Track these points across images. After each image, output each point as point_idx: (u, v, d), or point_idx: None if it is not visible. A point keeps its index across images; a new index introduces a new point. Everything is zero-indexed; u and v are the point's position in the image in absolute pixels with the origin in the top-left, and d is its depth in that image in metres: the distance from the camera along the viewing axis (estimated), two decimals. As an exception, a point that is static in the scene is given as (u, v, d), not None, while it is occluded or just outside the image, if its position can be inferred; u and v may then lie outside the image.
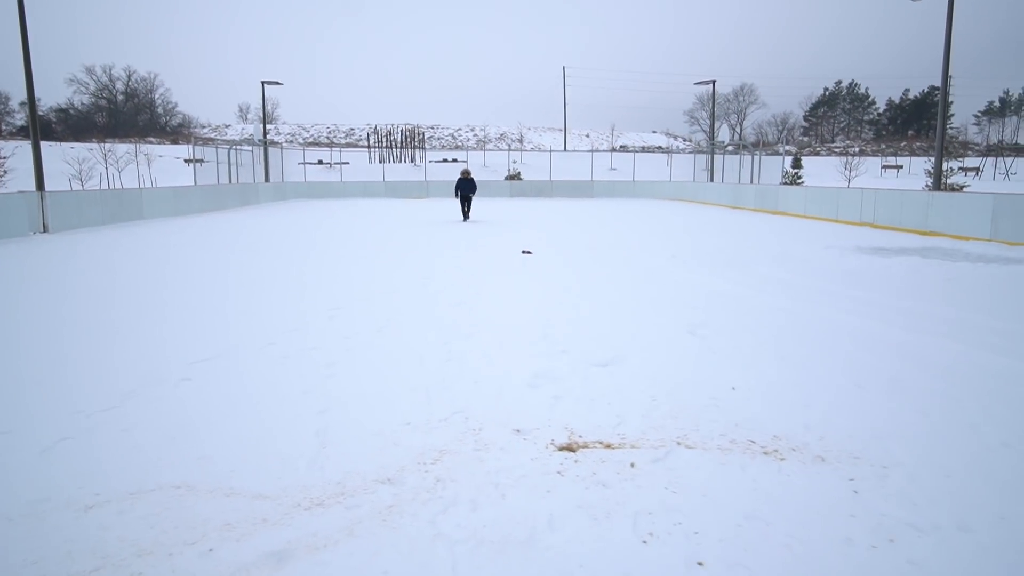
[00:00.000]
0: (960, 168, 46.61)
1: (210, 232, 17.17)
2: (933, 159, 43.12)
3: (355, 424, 4.14)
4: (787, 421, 4.22)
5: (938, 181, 18.68)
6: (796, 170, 50.88)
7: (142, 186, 31.52)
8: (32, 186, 18.02)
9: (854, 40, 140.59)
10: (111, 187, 37.92)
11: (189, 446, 3.77)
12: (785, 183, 35.70)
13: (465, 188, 20.62)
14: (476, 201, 31.21)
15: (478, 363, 5.44)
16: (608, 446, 3.85)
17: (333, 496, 3.21)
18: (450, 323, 6.84)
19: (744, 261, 11.68)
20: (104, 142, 56.19)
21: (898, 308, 7.66)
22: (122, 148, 54.82)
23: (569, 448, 3.81)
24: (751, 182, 31.90)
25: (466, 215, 20.96)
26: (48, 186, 23.33)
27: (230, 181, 29.32)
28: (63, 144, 60.70)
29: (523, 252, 12.83)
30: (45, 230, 16.46)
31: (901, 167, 61.94)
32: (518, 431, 4.05)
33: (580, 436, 3.98)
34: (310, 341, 6.11)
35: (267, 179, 35.21)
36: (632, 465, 3.58)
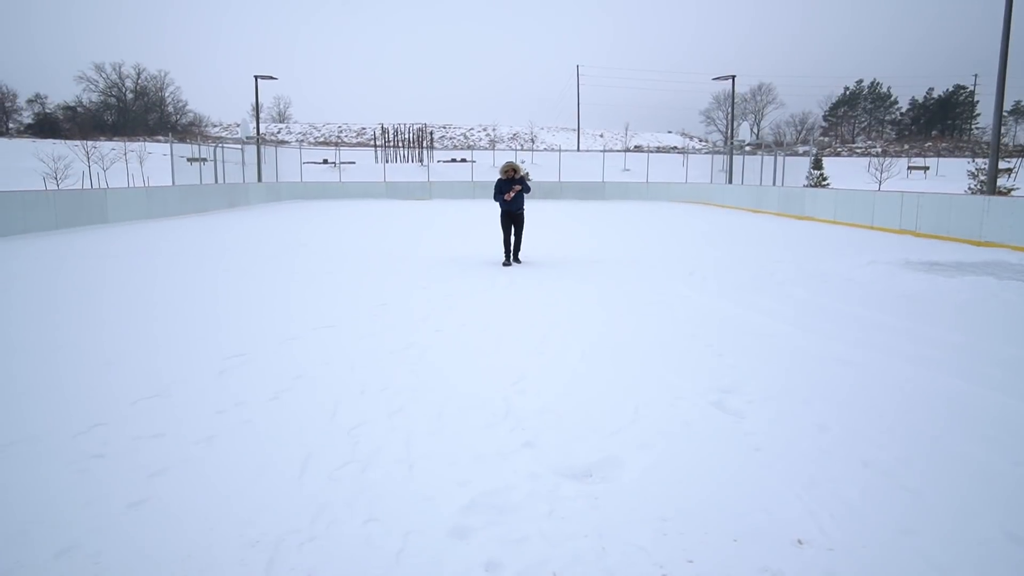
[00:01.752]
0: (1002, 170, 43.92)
1: (169, 238, 15.31)
2: (964, 160, 40.44)
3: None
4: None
5: (993, 184, 16.48)
6: (818, 171, 48.37)
7: (107, 186, 29.64)
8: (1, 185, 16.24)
9: (874, 39, 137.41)
10: (95, 187, 36.26)
11: None
12: (809, 185, 33.44)
13: (511, 205, 11.01)
14: (480, 205, 28.55)
15: (387, 474, 3.48)
16: None
17: None
18: (377, 386, 4.87)
19: (775, 280, 9.64)
20: (107, 139, 54.66)
21: (999, 359, 5.61)
22: (108, 145, 53.16)
23: None
24: (773, 184, 29.69)
25: (508, 251, 11.18)
26: (21, 185, 21.69)
27: (216, 181, 27.51)
28: (67, 142, 59.25)
29: (503, 264, 10.89)
30: (-18, 235, 14.70)
31: (928, 168, 59.17)
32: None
33: None
34: (174, 411, 4.18)
35: (260, 179, 33.42)
36: None
